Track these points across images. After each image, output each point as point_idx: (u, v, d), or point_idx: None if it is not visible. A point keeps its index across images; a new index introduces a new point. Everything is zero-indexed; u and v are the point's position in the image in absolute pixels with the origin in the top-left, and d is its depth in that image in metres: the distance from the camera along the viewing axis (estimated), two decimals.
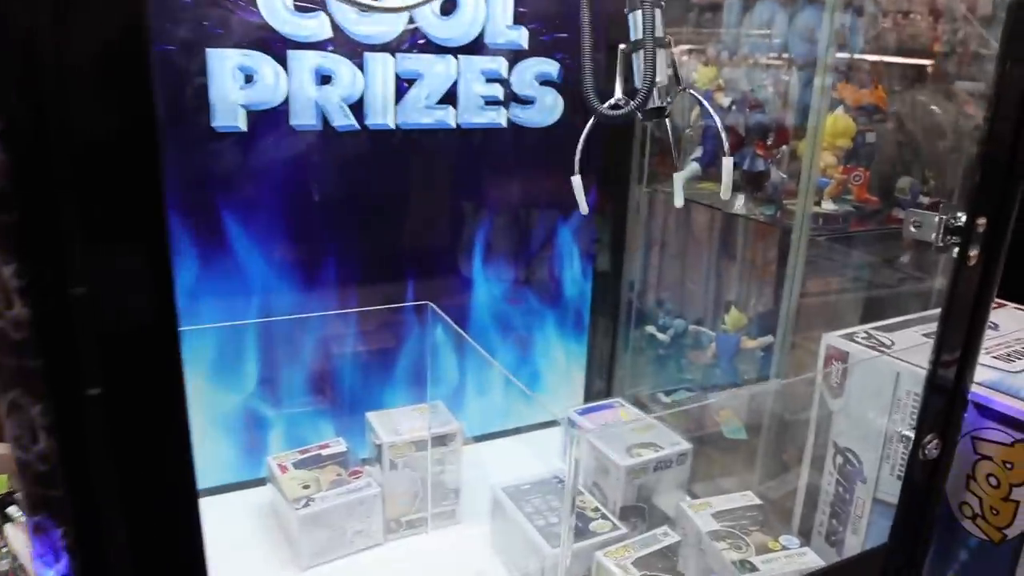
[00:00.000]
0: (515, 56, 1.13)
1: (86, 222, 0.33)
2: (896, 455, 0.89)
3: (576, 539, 0.92)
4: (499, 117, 1.15)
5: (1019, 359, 0.90)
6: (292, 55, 0.99)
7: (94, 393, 0.34)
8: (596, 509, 1.00)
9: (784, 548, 0.91)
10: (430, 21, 1.06)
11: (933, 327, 0.75)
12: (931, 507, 0.82)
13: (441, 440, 1.05)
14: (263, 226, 1.04)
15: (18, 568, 0.67)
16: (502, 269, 1.25)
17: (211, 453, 1.09)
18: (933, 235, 0.68)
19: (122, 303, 0.34)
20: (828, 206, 1.17)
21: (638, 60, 0.86)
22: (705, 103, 0.94)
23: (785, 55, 1.23)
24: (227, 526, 1.03)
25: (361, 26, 1.01)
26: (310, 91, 1.01)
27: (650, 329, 1.40)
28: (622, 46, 0.91)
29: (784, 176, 1.18)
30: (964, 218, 0.67)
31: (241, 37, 0.95)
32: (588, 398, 1.39)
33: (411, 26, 1.05)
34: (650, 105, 0.91)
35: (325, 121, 1.03)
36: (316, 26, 0.99)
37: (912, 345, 0.91)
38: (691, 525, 0.95)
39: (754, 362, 1.25)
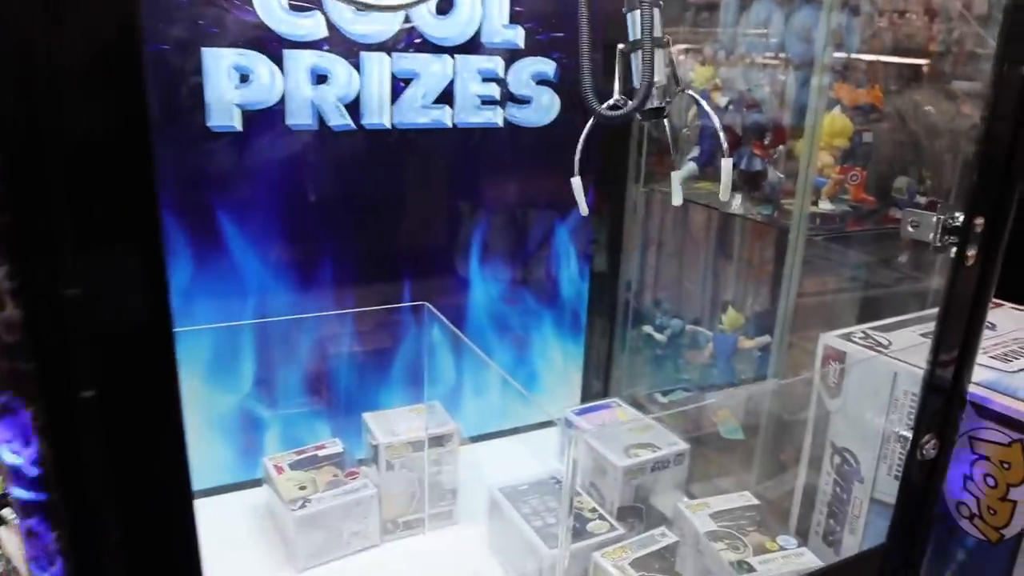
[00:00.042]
0: (511, 55, 1.13)
1: (79, 223, 0.32)
2: (893, 455, 0.89)
3: (574, 540, 0.92)
4: (495, 117, 1.14)
5: (1016, 359, 0.90)
6: (288, 54, 0.98)
7: (88, 395, 0.34)
8: (593, 510, 1.00)
9: (782, 548, 0.91)
10: (426, 20, 1.06)
11: (930, 327, 0.75)
12: (929, 507, 0.82)
13: (438, 441, 1.05)
14: (259, 226, 1.04)
15: (12, 571, 0.67)
16: (499, 269, 1.25)
17: (207, 454, 1.08)
18: (931, 235, 0.68)
19: (116, 304, 0.34)
20: (825, 206, 1.17)
21: (636, 60, 0.86)
22: (704, 104, 0.93)
23: (782, 55, 1.23)
24: (223, 527, 1.03)
25: (357, 25, 1.01)
26: (306, 91, 1.00)
27: (647, 329, 1.40)
28: (621, 46, 0.91)
29: (781, 176, 1.18)
30: (962, 218, 0.67)
31: (237, 36, 0.95)
32: (585, 398, 1.38)
33: (407, 25, 1.04)
34: (649, 105, 0.91)
35: (321, 121, 1.03)
36: (312, 25, 0.99)
37: (909, 345, 0.91)
38: (689, 525, 0.95)
39: (751, 362, 1.25)
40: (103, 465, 0.35)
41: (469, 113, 1.12)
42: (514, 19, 1.11)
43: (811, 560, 0.90)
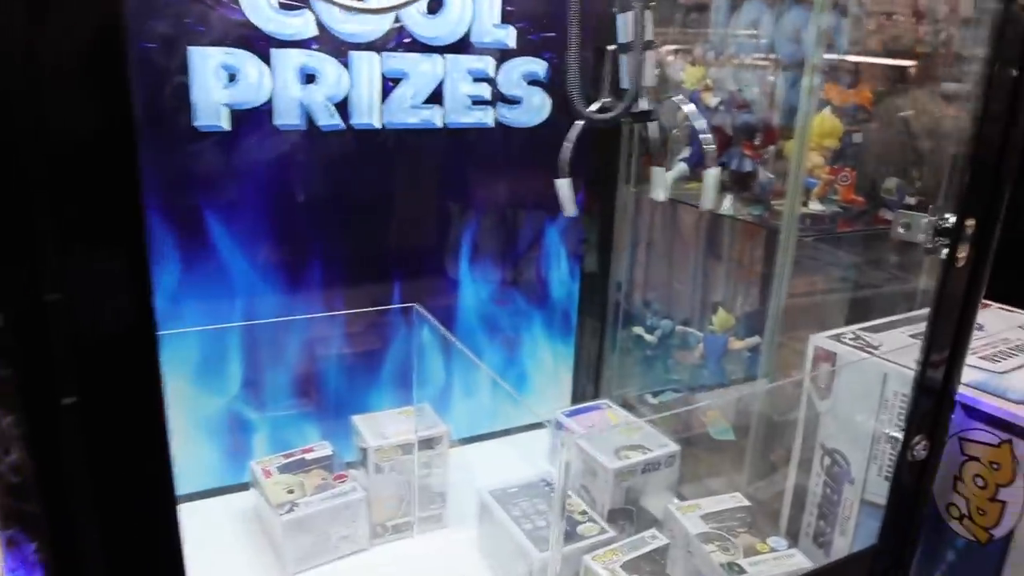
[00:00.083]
0: (502, 55, 1.13)
1: (61, 225, 0.32)
2: (883, 456, 0.89)
3: (564, 542, 0.92)
4: (486, 117, 1.14)
5: (1005, 359, 0.91)
6: (276, 53, 0.97)
7: (69, 402, 0.33)
8: (584, 512, 0.99)
9: (772, 550, 0.91)
10: (416, 20, 1.05)
11: (920, 328, 0.75)
12: (919, 508, 0.82)
13: (428, 443, 1.04)
14: (247, 227, 1.03)
15: None
16: (489, 270, 1.24)
17: (193, 457, 1.07)
18: (922, 236, 0.68)
19: (99, 309, 0.33)
20: (815, 206, 1.17)
21: (625, 62, 0.85)
22: (691, 109, 0.94)
23: (772, 55, 1.23)
24: (209, 532, 1.02)
25: (346, 24, 1.00)
26: (294, 90, 0.99)
27: (637, 330, 1.40)
28: (610, 47, 0.91)
29: (771, 176, 1.18)
30: (953, 219, 0.67)
31: (224, 35, 0.94)
32: (575, 399, 1.38)
33: (397, 25, 1.04)
34: (637, 108, 0.91)
35: (310, 121, 1.02)
36: (300, 24, 0.98)
37: (899, 346, 0.92)
38: (679, 527, 0.95)
39: (741, 363, 1.25)
40: (85, 474, 0.34)
41: (460, 113, 1.11)
42: (505, 19, 1.11)
43: (802, 561, 0.90)
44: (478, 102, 1.12)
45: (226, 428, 1.10)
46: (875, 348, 0.93)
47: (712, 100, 1.26)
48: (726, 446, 1.20)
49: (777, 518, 1.04)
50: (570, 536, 0.94)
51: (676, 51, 1.36)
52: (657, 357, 1.40)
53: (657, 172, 1.04)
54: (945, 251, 0.68)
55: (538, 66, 1.15)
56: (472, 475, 1.08)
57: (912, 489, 0.80)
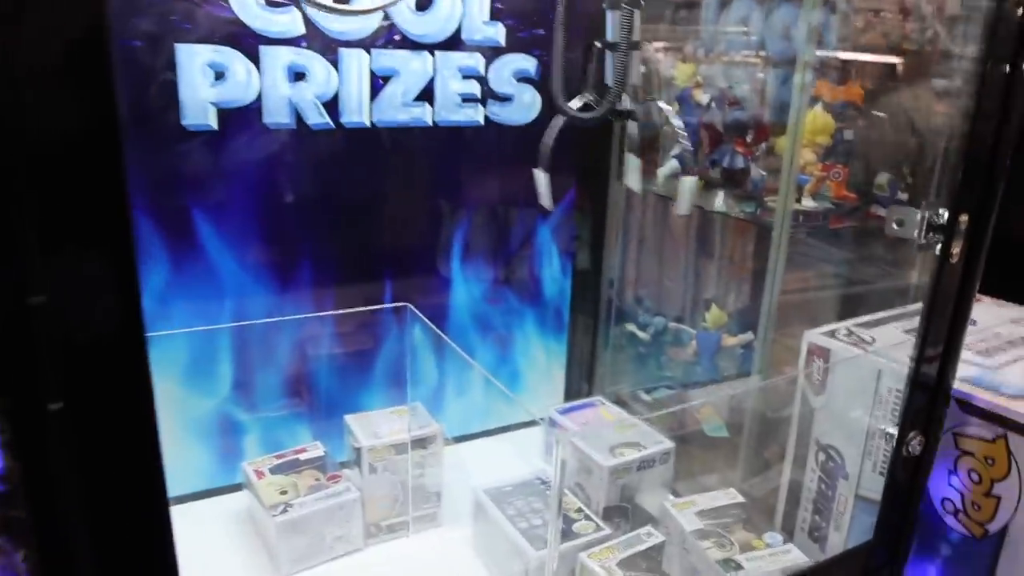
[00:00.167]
0: (492, 53, 1.12)
1: (45, 226, 0.31)
2: (878, 451, 0.89)
3: (560, 540, 0.91)
4: (476, 115, 1.13)
5: (998, 353, 0.91)
6: (264, 51, 0.96)
7: (56, 408, 0.32)
8: (579, 510, 0.99)
9: (768, 546, 0.91)
10: (406, 17, 1.04)
11: (914, 323, 0.75)
12: (914, 503, 0.82)
13: (421, 442, 1.03)
14: (236, 227, 1.02)
15: None
16: (481, 268, 1.24)
17: (185, 459, 1.06)
18: (916, 232, 0.68)
19: (85, 312, 0.33)
20: (808, 203, 1.17)
21: (611, 59, 0.85)
22: (669, 110, 0.94)
23: (762, 52, 1.23)
24: (202, 534, 1.01)
25: (335, 22, 0.99)
26: (283, 88, 0.98)
27: (630, 327, 1.40)
28: (597, 43, 0.91)
29: (763, 173, 1.18)
30: (946, 215, 0.67)
31: (211, 32, 0.93)
32: (569, 396, 1.38)
33: (386, 22, 1.03)
34: (620, 107, 0.91)
35: (299, 119, 1.01)
36: (288, 21, 0.97)
37: (894, 342, 0.92)
38: (675, 524, 0.94)
39: (735, 359, 1.25)
40: (74, 480, 0.33)
41: (450, 111, 1.11)
42: (495, 16, 1.10)
43: (797, 557, 0.90)
44: (468, 100, 1.12)
45: (217, 429, 1.09)
46: (869, 344, 0.93)
47: (703, 97, 1.26)
48: (720, 443, 1.20)
49: (772, 514, 1.04)
50: (566, 534, 0.93)
51: (667, 48, 1.36)
52: (650, 354, 1.39)
53: (631, 160, 1.04)
54: (939, 247, 0.68)
55: (528, 63, 1.15)
56: (466, 474, 1.08)
57: (907, 484, 0.80)
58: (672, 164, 1.25)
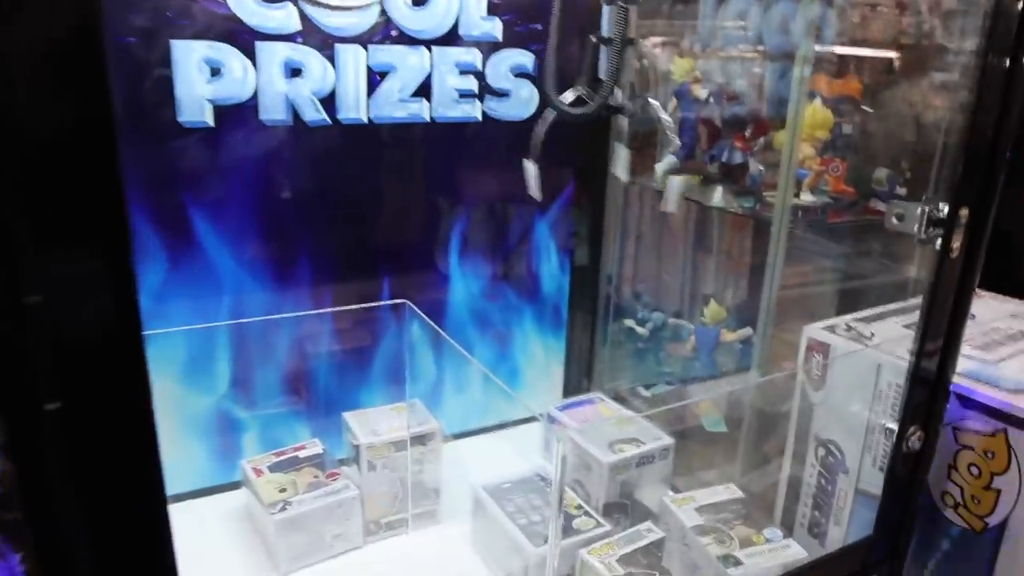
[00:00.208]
0: (490, 48, 1.11)
1: (40, 225, 0.31)
2: (878, 446, 0.89)
3: (560, 537, 0.91)
4: (474, 110, 1.13)
5: (998, 348, 0.91)
6: (260, 47, 0.96)
7: (52, 408, 0.32)
8: (579, 506, 0.99)
9: (768, 541, 0.91)
10: (402, 12, 1.03)
11: (913, 318, 0.75)
12: (914, 498, 0.82)
13: (420, 439, 1.03)
14: (233, 224, 1.01)
15: None
16: (479, 264, 1.23)
17: (183, 457, 1.06)
18: (916, 227, 0.68)
19: (81, 311, 0.32)
20: (806, 198, 1.16)
21: (606, 54, 0.85)
22: (663, 116, 0.94)
23: (760, 47, 1.22)
24: (201, 532, 1.01)
25: (331, 17, 0.99)
26: (280, 84, 0.98)
27: (629, 323, 1.40)
28: (592, 36, 0.90)
29: (761, 168, 1.17)
30: (947, 209, 0.67)
31: (207, 28, 0.92)
32: (567, 392, 1.38)
33: (383, 18, 1.02)
34: (611, 103, 0.91)
35: (296, 115, 1.00)
36: (284, 17, 0.96)
37: (893, 337, 0.92)
38: (675, 520, 0.94)
39: (733, 355, 1.25)
40: (71, 481, 0.33)
41: (447, 107, 1.10)
42: (492, 11, 1.09)
43: (797, 552, 0.90)
44: (466, 95, 1.11)
45: (215, 427, 1.08)
46: (868, 338, 0.92)
47: (701, 92, 1.25)
48: (719, 438, 1.20)
49: (771, 509, 1.04)
50: (566, 530, 0.93)
51: (664, 43, 1.36)
52: (649, 350, 1.39)
53: (620, 149, 1.03)
54: (939, 241, 0.68)
55: (526, 58, 1.14)
56: (465, 470, 1.08)
57: (907, 479, 0.80)
58: (669, 160, 1.25)
